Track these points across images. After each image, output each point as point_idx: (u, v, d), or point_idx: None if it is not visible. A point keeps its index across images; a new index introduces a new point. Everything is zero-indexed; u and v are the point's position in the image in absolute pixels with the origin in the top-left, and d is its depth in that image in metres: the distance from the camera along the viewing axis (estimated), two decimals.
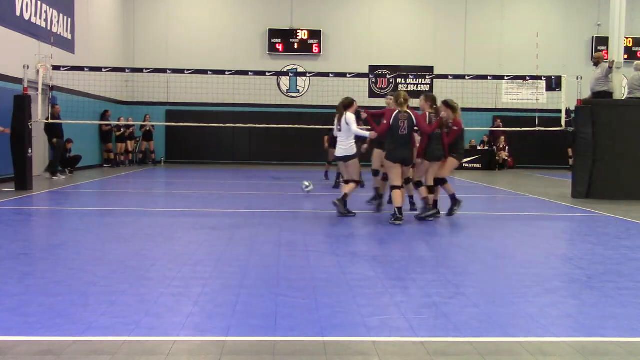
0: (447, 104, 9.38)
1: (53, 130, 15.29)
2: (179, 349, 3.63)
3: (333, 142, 13.86)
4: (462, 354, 3.65)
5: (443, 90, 22.44)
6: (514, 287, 5.29)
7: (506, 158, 23.57)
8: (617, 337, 3.97)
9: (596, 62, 13.67)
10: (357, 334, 3.94)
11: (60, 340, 3.70)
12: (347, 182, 9.56)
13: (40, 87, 14.06)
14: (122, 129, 20.98)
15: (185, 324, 4.07)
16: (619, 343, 3.87)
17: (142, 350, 3.59)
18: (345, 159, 9.42)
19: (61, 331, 3.86)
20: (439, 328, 4.09)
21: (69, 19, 17.79)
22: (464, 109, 10.44)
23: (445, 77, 16.49)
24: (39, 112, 13.53)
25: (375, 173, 10.41)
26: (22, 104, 12.35)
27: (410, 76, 22.92)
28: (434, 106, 9.38)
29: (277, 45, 24.05)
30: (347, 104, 9.45)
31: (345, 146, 9.37)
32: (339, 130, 9.48)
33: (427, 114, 9.21)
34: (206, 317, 4.24)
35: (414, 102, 10.36)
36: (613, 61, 13.29)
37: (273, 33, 24.00)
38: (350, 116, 9.29)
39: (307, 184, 12.37)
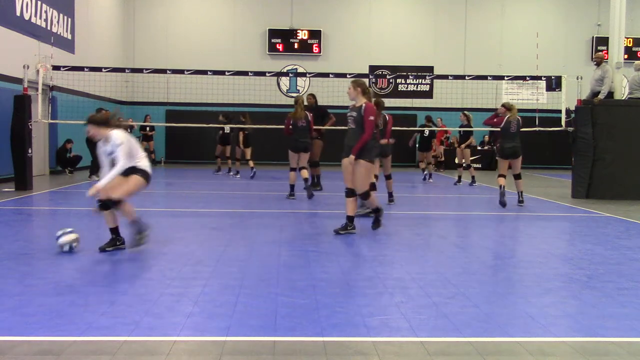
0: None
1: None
2: (179, 349, 3.63)
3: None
4: (462, 354, 3.65)
5: (443, 90, 22.52)
6: (514, 287, 5.29)
7: None
8: (617, 337, 3.97)
9: (598, 62, 13.65)
10: (357, 334, 3.93)
11: (60, 340, 3.70)
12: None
13: (40, 87, 14.05)
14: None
15: (185, 324, 4.06)
16: (619, 343, 3.87)
17: (142, 350, 3.59)
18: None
19: (61, 331, 3.86)
20: (439, 328, 4.09)
21: (69, 19, 17.78)
22: (464, 109, 10.44)
23: (445, 77, 16.48)
24: (39, 112, 13.53)
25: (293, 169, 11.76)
26: (22, 104, 12.36)
27: (410, 76, 22.91)
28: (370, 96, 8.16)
29: (277, 45, 24.04)
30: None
31: None
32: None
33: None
34: (206, 317, 4.24)
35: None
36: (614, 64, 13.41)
37: (273, 33, 23.99)
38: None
39: (66, 240, 6.36)
